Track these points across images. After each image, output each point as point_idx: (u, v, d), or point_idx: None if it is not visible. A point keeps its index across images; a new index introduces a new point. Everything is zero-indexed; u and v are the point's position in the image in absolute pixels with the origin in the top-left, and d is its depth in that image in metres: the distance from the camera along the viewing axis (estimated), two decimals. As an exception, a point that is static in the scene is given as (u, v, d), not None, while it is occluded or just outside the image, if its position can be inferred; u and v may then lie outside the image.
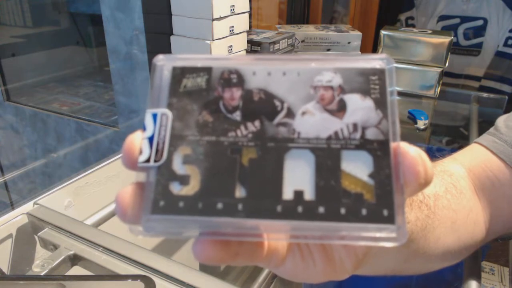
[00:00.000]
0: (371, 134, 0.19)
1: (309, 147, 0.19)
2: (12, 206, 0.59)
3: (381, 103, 0.20)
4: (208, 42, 0.80)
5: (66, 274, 0.49)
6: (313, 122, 0.19)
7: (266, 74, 0.21)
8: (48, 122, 1.38)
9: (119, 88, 1.13)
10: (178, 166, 0.19)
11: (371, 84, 0.20)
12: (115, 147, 1.21)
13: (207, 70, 0.21)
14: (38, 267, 0.47)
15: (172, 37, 0.85)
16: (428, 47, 1.05)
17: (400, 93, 1.12)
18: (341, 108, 0.20)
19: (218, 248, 0.19)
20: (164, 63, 0.21)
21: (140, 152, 0.19)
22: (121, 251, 0.49)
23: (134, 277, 0.41)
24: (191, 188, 0.19)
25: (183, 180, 0.19)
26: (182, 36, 0.84)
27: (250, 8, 0.90)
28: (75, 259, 0.50)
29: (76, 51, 1.84)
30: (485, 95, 1.13)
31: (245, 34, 0.90)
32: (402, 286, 0.79)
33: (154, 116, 0.20)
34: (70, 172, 1.36)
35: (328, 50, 1.17)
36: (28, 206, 0.59)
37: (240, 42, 0.90)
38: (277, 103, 0.20)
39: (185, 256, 0.91)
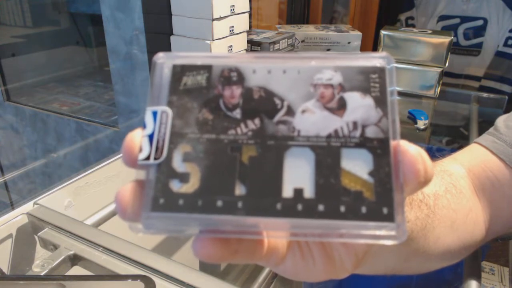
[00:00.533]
0: (371, 132, 0.19)
1: (309, 145, 0.19)
2: (12, 206, 0.59)
3: (381, 101, 0.20)
4: (208, 42, 0.80)
5: (66, 274, 0.49)
6: (313, 120, 0.19)
7: (266, 72, 0.21)
8: (48, 122, 1.38)
9: (119, 88, 1.13)
10: (178, 164, 0.19)
11: (371, 82, 0.20)
12: (115, 147, 1.21)
13: (207, 68, 0.21)
14: (38, 267, 0.47)
15: (172, 37, 0.85)
16: (428, 47, 1.05)
17: (400, 93, 1.12)
18: (341, 106, 0.20)
19: (217, 245, 0.19)
20: (164, 61, 0.21)
21: (140, 150, 0.19)
22: (121, 251, 0.49)
23: (134, 277, 0.41)
24: (191, 185, 0.19)
25: (183, 177, 0.19)
26: (182, 36, 0.84)
27: (250, 8, 0.90)
28: (75, 259, 0.50)
29: (76, 51, 1.84)
30: (485, 95, 1.13)
31: (245, 34, 0.90)
32: (402, 286, 0.79)
33: (154, 113, 0.20)
34: (70, 172, 1.36)
35: (328, 50, 1.17)
36: (28, 206, 0.59)
37: (240, 42, 0.90)
38: (277, 101, 0.20)
39: (185, 256, 0.91)
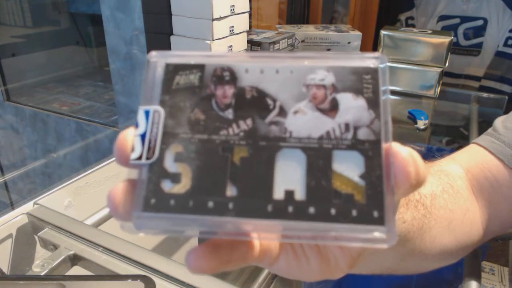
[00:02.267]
0: (362, 134, 0.19)
1: (300, 146, 0.19)
2: (12, 206, 0.59)
3: (373, 103, 0.19)
4: (208, 42, 0.80)
5: (66, 274, 0.49)
6: (305, 121, 0.19)
7: (259, 71, 0.20)
8: (48, 122, 1.38)
9: (119, 88, 1.13)
10: (169, 164, 0.19)
11: (364, 83, 0.20)
12: (115, 147, 1.21)
13: (200, 67, 0.21)
14: (38, 267, 0.47)
15: (172, 37, 0.85)
16: (428, 47, 1.05)
17: (400, 93, 1.12)
18: (333, 107, 0.20)
19: (210, 258, 0.19)
20: (157, 59, 0.21)
21: (132, 149, 0.19)
22: (121, 251, 0.49)
23: (134, 277, 0.41)
24: (183, 186, 0.19)
25: (175, 178, 0.19)
26: (182, 36, 0.84)
27: (250, 8, 0.90)
28: (75, 259, 0.50)
29: (76, 51, 1.84)
30: (485, 95, 1.13)
31: (245, 34, 0.90)
32: (401, 286, 0.79)
33: (147, 113, 0.20)
34: (70, 172, 1.36)
35: (328, 50, 1.17)
36: (28, 206, 0.59)
37: (240, 42, 0.90)
38: (270, 101, 0.20)
39: (185, 256, 0.91)
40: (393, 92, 1.14)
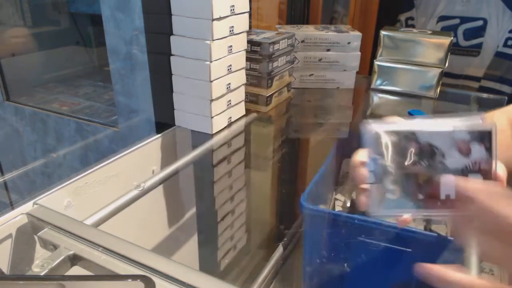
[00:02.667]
0: (483, 165, 0.38)
1: (453, 173, 0.38)
2: (12, 206, 0.59)
3: (489, 148, 0.38)
4: (208, 42, 0.80)
5: (66, 274, 0.49)
6: (454, 160, 0.38)
7: (430, 133, 0.38)
8: (48, 122, 1.38)
9: (119, 88, 1.13)
10: (387, 185, 0.39)
11: (485, 138, 0.38)
12: (115, 147, 1.21)
13: (399, 132, 0.39)
14: (37, 267, 0.47)
15: (172, 37, 0.85)
16: (428, 47, 1.05)
17: (399, 94, 1.12)
18: (469, 152, 0.38)
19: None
20: (377, 129, 0.39)
21: (368, 177, 0.39)
22: (120, 251, 0.49)
23: (134, 277, 0.41)
24: (395, 195, 0.39)
25: (391, 192, 0.39)
26: (182, 36, 0.84)
27: (250, 8, 0.90)
28: (74, 259, 0.50)
29: (76, 51, 1.84)
30: (484, 95, 1.13)
31: (245, 34, 0.90)
32: (402, 286, 0.79)
33: (375, 159, 0.39)
34: (70, 172, 1.36)
35: (328, 50, 1.17)
36: (27, 206, 0.59)
37: (240, 42, 0.90)
38: (436, 150, 0.38)
39: (185, 256, 0.91)
40: (393, 93, 1.14)
